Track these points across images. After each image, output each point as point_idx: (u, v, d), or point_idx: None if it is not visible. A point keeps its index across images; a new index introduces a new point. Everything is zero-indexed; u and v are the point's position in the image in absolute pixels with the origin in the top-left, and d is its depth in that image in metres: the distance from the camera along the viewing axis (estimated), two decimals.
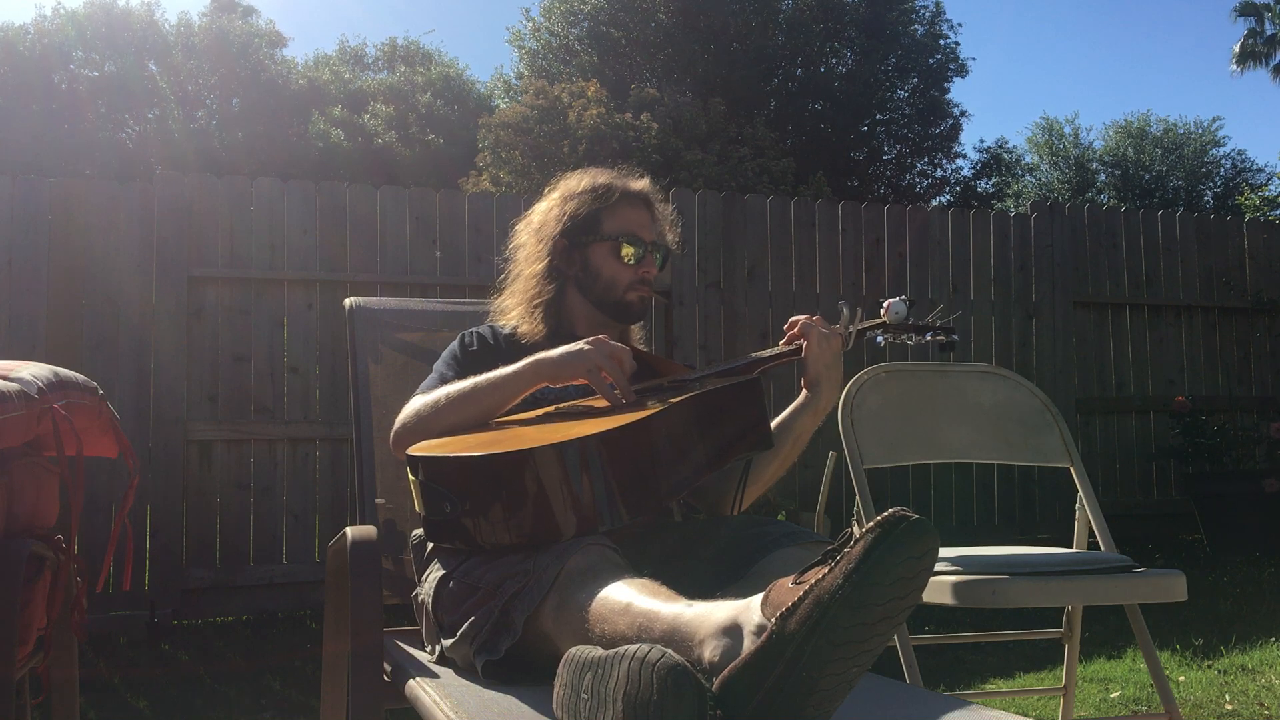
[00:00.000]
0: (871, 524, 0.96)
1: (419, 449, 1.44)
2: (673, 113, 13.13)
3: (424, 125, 18.77)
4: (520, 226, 1.87)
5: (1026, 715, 2.97)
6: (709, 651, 1.03)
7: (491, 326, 1.83)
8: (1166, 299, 5.99)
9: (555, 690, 1.07)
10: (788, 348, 1.67)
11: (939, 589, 1.96)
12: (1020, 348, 5.64)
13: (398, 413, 1.63)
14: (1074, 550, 2.34)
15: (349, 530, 1.54)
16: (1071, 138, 27.19)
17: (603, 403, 1.53)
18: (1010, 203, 23.60)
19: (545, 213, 1.82)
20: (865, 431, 2.31)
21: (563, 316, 1.79)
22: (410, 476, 1.45)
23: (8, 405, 1.49)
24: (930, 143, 21.35)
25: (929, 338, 1.72)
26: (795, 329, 1.67)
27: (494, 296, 1.89)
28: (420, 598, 1.54)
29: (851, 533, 0.98)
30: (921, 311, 1.84)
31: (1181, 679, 3.26)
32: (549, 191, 1.85)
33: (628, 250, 1.75)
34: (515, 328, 1.80)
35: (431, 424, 1.56)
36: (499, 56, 62.76)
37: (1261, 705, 2.97)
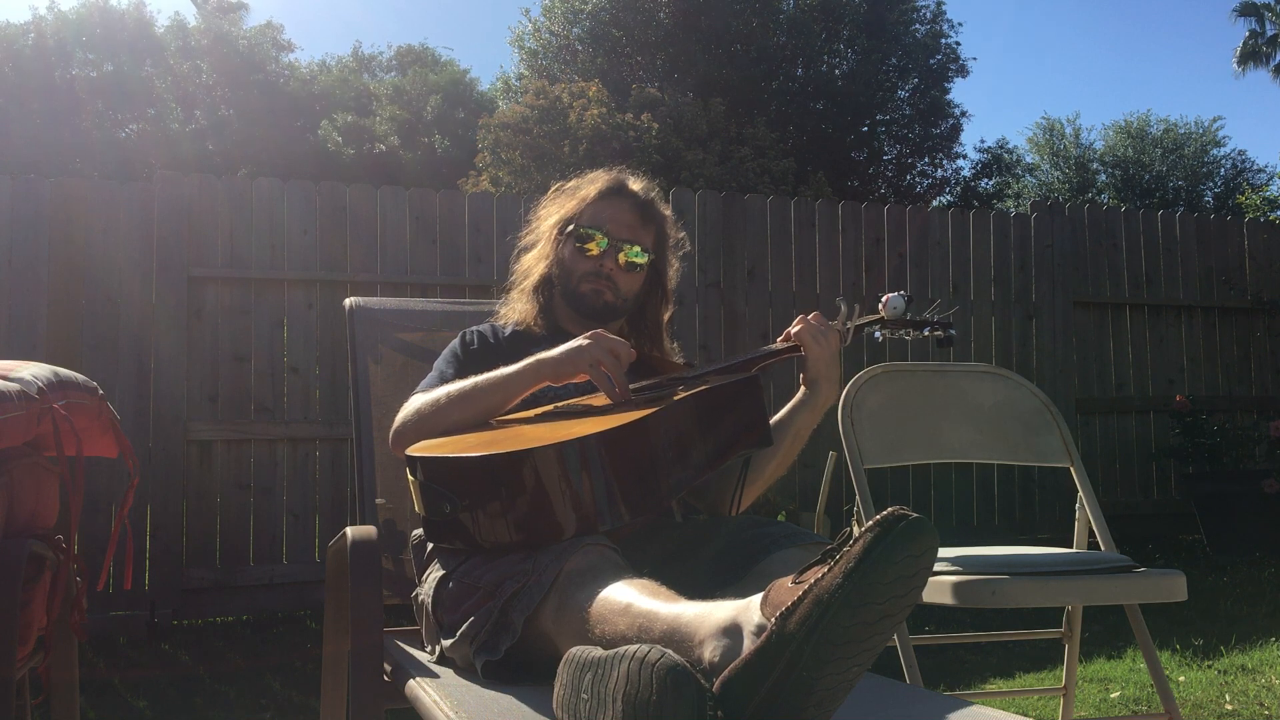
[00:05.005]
0: (870, 523, 0.96)
1: (418, 449, 1.44)
2: (673, 113, 13.12)
3: (430, 129, 18.77)
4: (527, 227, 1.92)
5: (1026, 715, 2.97)
6: (709, 652, 1.03)
7: (492, 325, 1.84)
8: (1166, 299, 5.99)
9: (555, 690, 1.07)
10: (786, 345, 1.67)
11: (939, 589, 1.96)
12: (1020, 348, 5.64)
13: (397, 412, 1.64)
14: (1074, 550, 2.34)
15: (349, 530, 1.54)
16: (1072, 138, 27.18)
17: (602, 401, 1.53)
18: (1010, 203, 23.61)
19: (545, 206, 1.87)
20: (865, 431, 2.31)
21: (553, 310, 1.82)
22: (409, 476, 1.45)
23: (8, 405, 1.49)
24: (931, 143, 21.36)
25: (927, 333, 1.73)
26: (794, 326, 1.68)
27: (500, 296, 1.92)
28: (420, 598, 1.54)
29: (851, 532, 0.98)
30: (920, 309, 1.84)
31: (1181, 679, 3.26)
32: (556, 188, 1.90)
33: (587, 238, 1.76)
34: (516, 325, 1.82)
35: (432, 423, 1.56)
36: (501, 57, 62.81)
37: (1261, 705, 2.97)
